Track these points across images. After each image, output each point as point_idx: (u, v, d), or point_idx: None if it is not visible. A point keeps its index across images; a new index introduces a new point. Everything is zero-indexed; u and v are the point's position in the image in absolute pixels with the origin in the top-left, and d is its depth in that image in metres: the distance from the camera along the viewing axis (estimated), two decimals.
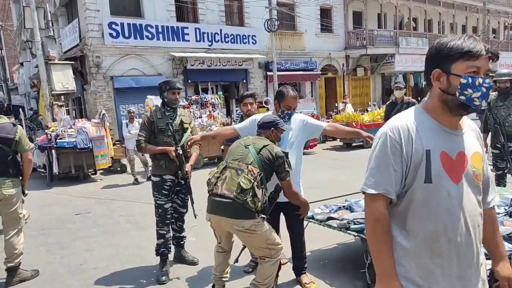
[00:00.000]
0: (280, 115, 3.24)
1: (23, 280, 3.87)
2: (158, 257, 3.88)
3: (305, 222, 3.58)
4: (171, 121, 3.81)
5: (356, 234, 3.45)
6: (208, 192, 2.90)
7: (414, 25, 23.99)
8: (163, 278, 3.71)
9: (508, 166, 5.25)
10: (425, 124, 1.47)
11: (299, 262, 3.50)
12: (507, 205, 3.83)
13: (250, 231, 2.78)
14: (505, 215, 3.57)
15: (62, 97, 12.35)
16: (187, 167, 3.81)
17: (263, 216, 2.83)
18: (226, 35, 16.45)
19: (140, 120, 6.06)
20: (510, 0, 30.32)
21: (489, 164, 7.33)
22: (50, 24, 12.50)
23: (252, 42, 17.18)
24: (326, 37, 20.25)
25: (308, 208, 3.24)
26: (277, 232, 3.35)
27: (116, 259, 4.37)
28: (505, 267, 1.64)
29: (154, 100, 10.03)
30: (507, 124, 5.17)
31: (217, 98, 12.68)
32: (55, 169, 8.74)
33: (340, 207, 4.08)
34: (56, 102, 11.17)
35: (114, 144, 9.92)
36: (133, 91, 14.18)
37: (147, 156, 6.81)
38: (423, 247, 1.44)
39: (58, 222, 5.96)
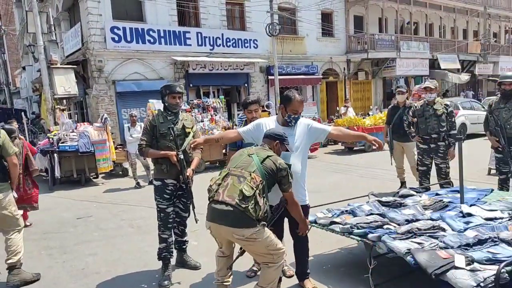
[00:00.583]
0: (287, 119, 3.23)
1: (23, 281, 3.88)
2: (161, 262, 3.87)
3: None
4: (172, 125, 3.81)
5: (359, 238, 3.45)
6: (209, 199, 2.87)
7: (414, 27, 24.04)
8: (166, 282, 3.70)
9: (511, 169, 5.24)
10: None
11: (302, 267, 3.48)
12: (511, 210, 3.83)
13: (251, 240, 2.76)
14: (509, 219, 3.56)
15: (64, 101, 12.38)
16: (188, 171, 3.80)
17: (263, 223, 2.81)
18: (228, 39, 16.49)
19: (142, 124, 6.07)
20: (511, 4, 30.35)
21: (492, 168, 7.37)
22: (53, 28, 12.56)
23: (254, 46, 17.22)
24: (327, 41, 20.29)
25: (306, 227, 3.27)
26: (281, 237, 3.34)
27: (118, 264, 4.36)
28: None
29: (156, 104, 10.04)
30: (508, 126, 5.17)
31: (218, 102, 12.70)
32: (57, 173, 8.76)
33: (342, 212, 4.07)
34: (58, 106, 11.20)
35: (116, 148, 9.94)
36: (135, 95, 14.21)
37: (149, 160, 6.82)
38: None
39: (60, 226, 5.96)
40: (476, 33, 28.38)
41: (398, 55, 21.14)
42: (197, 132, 4.14)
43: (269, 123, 3.31)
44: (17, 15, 25.55)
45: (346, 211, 4.07)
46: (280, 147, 3.05)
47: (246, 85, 17.32)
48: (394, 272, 3.58)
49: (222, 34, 16.33)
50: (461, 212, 3.78)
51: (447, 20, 25.85)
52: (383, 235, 3.26)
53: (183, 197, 3.95)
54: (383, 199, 4.30)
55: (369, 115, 15.18)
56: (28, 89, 21.23)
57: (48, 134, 9.88)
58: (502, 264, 2.65)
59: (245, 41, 17.02)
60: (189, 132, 3.91)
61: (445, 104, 5.59)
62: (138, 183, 8.57)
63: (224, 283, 3.11)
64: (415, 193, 4.60)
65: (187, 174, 3.78)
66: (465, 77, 24.83)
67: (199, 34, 15.71)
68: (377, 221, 3.58)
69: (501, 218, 3.58)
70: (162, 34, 14.85)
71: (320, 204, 4.34)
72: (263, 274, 2.97)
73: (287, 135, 3.12)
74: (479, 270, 2.70)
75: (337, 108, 17.01)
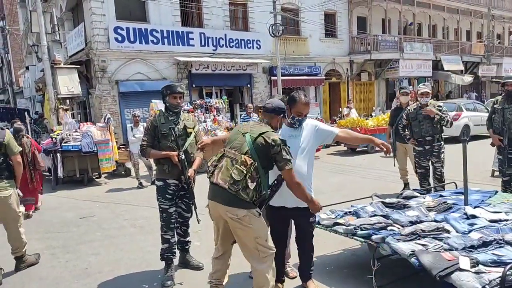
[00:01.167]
0: (291, 121, 3.21)
1: (30, 265, 4.32)
2: (163, 262, 3.87)
3: None
4: (174, 126, 3.81)
5: (363, 240, 3.44)
6: (208, 178, 2.98)
7: (417, 28, 23.98)
8: (168, 282, 3.70)
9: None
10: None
11: (306, 268, 3.47)
12: None
13: (243, 223, 2.78)
14: None
15: (68, 100, 12.40)
16: (190, 171, 3.79)
17: (259, 211, 2.85)
18: (231, 40, 16.49)
19: (145, 124, 6.09)
20: None
21: (496, 170, 7.32)
22: (56, 28, 12.61)
23: (257, 47, 17.22)
24: (330, 42, 20.27)
25: (316, 206, 3.09)
26: (286, 237, 3.33)
27: (121, 263, 4.36)
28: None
29: (159, 105, 10.04)
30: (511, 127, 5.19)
31: (221, 103, 12.70)
32: (60, 173, 8.78)
33: (346, 213, 4.06)
34: (62, 106, 11.22)
35: (118, 148, 9.95)
36: (138, 95, 14.23)
37: (151, 160, 6.82)
38: None
39: (63, 226, 5.97)
40: (480, 35, 28.29)
41: (401, 56, 21.09)
42: (199, 132, 4.13)
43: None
44: (21, 15, 25.65)
45: (350, 212, 4.06)
46: (282, 121, 3.11)
47: (248, 85, 17.32)
48: (398, 274, 3.57)
49: (225, 35, 16.33)
50: (465, 214, 3.76)
51: (451, 21, 25.78)
52: (387, 237, 3.25)
53: (185, 198, 3.95)
54: (387, 200, 4.28)
55: (372, 116, 15.14)
56: (31, 89, 21.30)
57: (51, 134, 9.91)
58: (508, 267, 2.63)
59: (248, 41, 17.02)
60: (191, 132, 3.91)
61: (438, 106, 5.61)
62: (140, 183, 8.57)
63: (218, 285, 3.12)
64: (418, 194, 4.59)
65: (189, 174, 3.77)
66: (468, 78, 24.76)
67: (202, 35, 15.72)
68: (380, 223, 3.57)
69: (506, 220, 3.56)
70: (165, 35, 14.86)
71: (324, 205, 4.31)
72: (253, 277, 2.99)
73: (293, 136, 3.09)
74: (484, 272, 2.68)
75: (340, 109, 16.98)
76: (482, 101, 20.64)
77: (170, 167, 3.76)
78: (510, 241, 3.07)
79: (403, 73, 21.43)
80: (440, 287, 2.87)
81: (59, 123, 10.68)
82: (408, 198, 4.43)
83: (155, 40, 14.65)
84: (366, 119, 13.23)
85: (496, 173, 7.28)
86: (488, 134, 5.82)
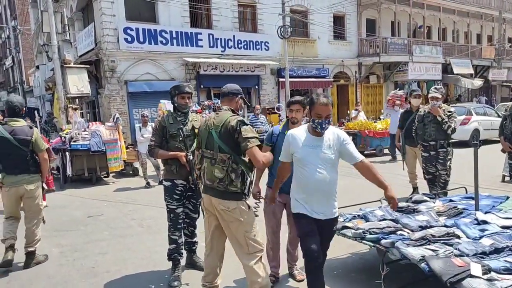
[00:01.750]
0: (312, 125, 2.96)
1: (39, 263, 4.40)
2: (170, 262, 3.87)
3: None
4: (182, 126, 3.81)
5: (372, 244, 3.40)
6: (197, 180, 3.20)
7: (427, 30, 23.81)
8: (175, 283, 3.70)
9: None
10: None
11: None
12: None
13: (234, 215, 2.92)
14: None
15: (77, 100, 12.47)
16: (197, 172, 3.78)
17: (248, 204, 3.00)
18: (239, 41, 16.52)
19: (153, 124, 6.10)
20: None
21: (507, 175, 7.19)
22: (67, 28, 12.69)
23: (265, 49, 17.22)
24: (339, 44, 20.21)
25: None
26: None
27: (128, 263, 4.37)
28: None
29: (167, 105, 10.06)
30: None
31: None
32: (69, 171, 8.83)
33: (354, 216, 4.03)
34: (71, 105, 11.30)
35: (127, 148, 9.99)
36: (146, 96, 14.31)
37: (159, 160, 6.84)
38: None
39: (71, 224, 6.00)
40: (491, 38, 28.01)
41: (410, 59, 20.96)
42: None
43: (297, 133, 3.00)
44: (32, 15, 25.93)
45: (358, 215, 4.03)
46: (241, 102, 3.19)
47: (256, 87, 17.32)
48: (406, 279, 3.53)
49: (234, 36, 16.36)
50: (476, 219, 3.70)
51: (461, 24, 25.57)
52: (397, 241, 3.21)
53: (192, 198, 3.95)
54: None
55: (380, 119, 15.05)
56: (41, 88, 21.50)
57: (60, 133, 9.98)
58: None
59: (257, 43, 17.03)
60: None
61: (448, 111, 5.36)
62: (148, 183, 8.60)
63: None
64: (428, 199, 4.53)
65: (196, 175, 3.76)
66: (478, 82, 24.52)
67: (210, 36, 15.77)
68: (390, 227, 3.53)
69: None
70: (174, 35, 14.94)
71: None
72: (246, 274, 3.05)
73: (318, 147, 2.90)
74: (497, 280, 2.64)
75: (348, 112, 16.93)
76: (492, 105, 20.44)
77: (178, 168, 3.76)
78: None
79: (412, 76, 21.29)
80: None
81: (68, 122, 10.75)
82: (418, 202, 4.38)
83: (164, 41, 14.72)
84: (375, 122, 13.15)
85: (507, 179, 7.18)
86: (498, 139, 5.74)
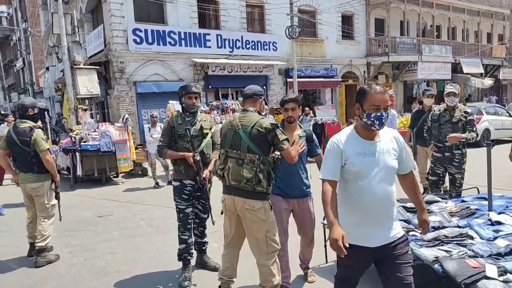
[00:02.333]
0: (367, 121, 2.28)
1: (49, 262, 4.44)
2: (180, 262, 3.87)
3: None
4: (190, 126, 3.80)
5: None
6: (220, 180, 3.08)
7: (437, 33, 23.60)
8: (186, 283, 3.70)
9: None
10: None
11: None
12: None
13: (259, 215, 2.90)
14: None
15: (87, 101, 12.61)
16: (205, 172, 3.77)
17: (271, 204, 2.99)
18: (247, 42, 16.54)
19: (162, 124, 6.12)
20: None
21: None
22: (76, 29, 12.83)
23: (273, 49, 17.21)
24: (347, 44, 20.12)
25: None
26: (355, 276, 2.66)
27: (138, 263, 4.38)
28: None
29: (176, 105, 10.12)
30: None
31: (237, 104, 12.72)
32: (79, 172, 8.91)
33: None
34: (81, 106, 11.41)
35: (136, 148, 10.05)
36: (155, 96, 14.38)
37: (168, 160, 6.86)
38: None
39: (81, 224, 6.04)
40: (501, 37, 27.68)
41: (419, 58, 20.80)
42: (216, 133, 4.10)
43: (345, 139, 2.36)
44: (42, 17, 26.24)
45: None
46: (264, 104, 3.16)
47: (264, 87, 17.26)
48: (418, 280, 3.47)
49: (242, 37, 16.38)
50: (490, 220, 3.64)
51: (471, 23, 25.30)
52: (410, 242, 3.17)
53: (202, 198, 3.94)
54: (408, 204, 4.19)
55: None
56: (51, 89, 21.72)
57: (70, 133, 10.07)
58: None
59: (265, 43, 17.03)
60: (207, 133, 3.89)
61: (464, 111, 5.09)
62: (157, 183, 8.63)
63: (229, 282, 3.19)
64: (440, 199, 4.48)
65: (204, 175, 3.75)
66: (488, 81, 24.25)
67: (219, 36, 15.80)
68: (402, 228, 3.48)
69: None
70: (182, 36, 15.00)
71: None
72: (260, 273, 3.05)
73: (368, 155, 2.29)
74: None
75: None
76: (503, 105, 20.18)
77: (185, 168, 3.76)
78: None
79: (421, 75, 21.12)
80: None
81: (78, 123, 10.85)
82: (430, 203, 4.33)
83: (172, 42, 14.79)
84: None
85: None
86: (510, 139, 5.62)
